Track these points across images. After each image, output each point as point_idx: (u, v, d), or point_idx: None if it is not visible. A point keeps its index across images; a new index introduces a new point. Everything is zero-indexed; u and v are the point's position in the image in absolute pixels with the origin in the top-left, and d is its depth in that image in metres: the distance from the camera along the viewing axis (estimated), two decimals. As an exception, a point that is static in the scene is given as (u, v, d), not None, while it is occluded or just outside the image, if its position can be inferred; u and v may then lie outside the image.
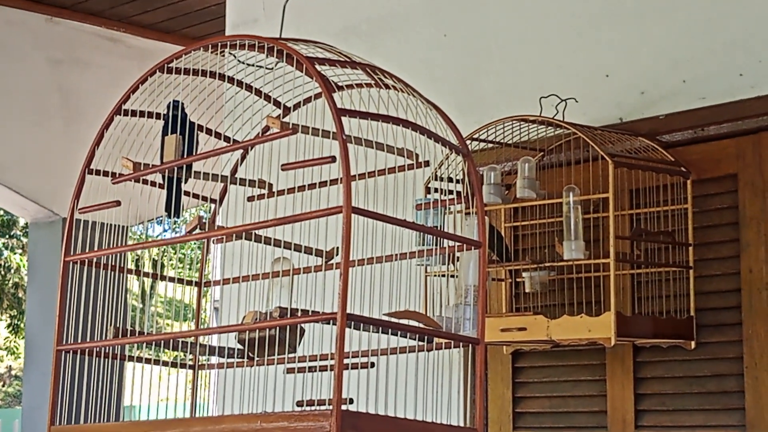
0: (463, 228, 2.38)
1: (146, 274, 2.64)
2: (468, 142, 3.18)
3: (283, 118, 2.48)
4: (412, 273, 3.00)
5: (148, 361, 2.51)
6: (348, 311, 1.90)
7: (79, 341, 2.34)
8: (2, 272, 19.68)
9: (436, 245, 2.39)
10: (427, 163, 2.29)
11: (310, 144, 2.29)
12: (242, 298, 2.50)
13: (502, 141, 3.49)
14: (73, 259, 2.33)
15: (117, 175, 2.37)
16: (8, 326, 20.49)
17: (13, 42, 6.87)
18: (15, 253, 19.76)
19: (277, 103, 2.51)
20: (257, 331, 2.28)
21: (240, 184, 2.52)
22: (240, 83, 2.47)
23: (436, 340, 2.23)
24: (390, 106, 2.27)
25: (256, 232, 2.38)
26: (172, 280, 2.60)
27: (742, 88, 3.29)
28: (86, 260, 2.35)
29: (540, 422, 3.63)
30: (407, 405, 2.18)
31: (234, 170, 2.58)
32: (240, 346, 2.39)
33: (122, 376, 6.89)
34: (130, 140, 2.41)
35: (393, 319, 2.13)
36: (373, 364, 2.33)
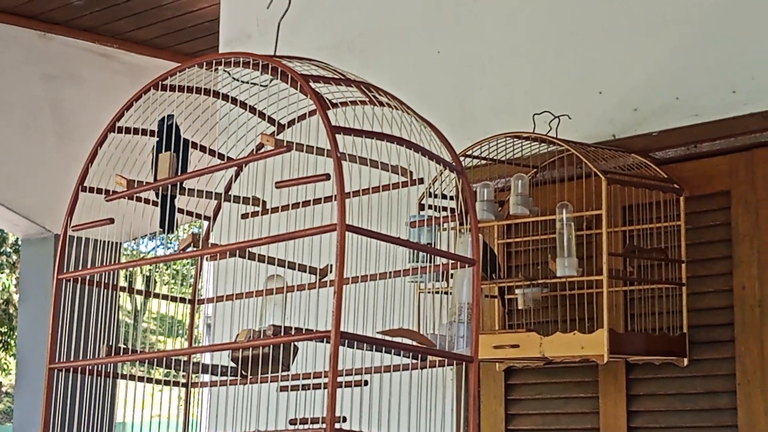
0: (457, 245, 2.37)
1: (139, 292, 2.64)
2: (461, 158, 3.19)
3: (277, 135, 2.48)
4: (406, 290, 3.00)
5: (140, 379, 2.50)
6: (341, 329, 1.90)
7: (72, 359, 2.33)
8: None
9: (430, 263, 2.38)
10: (421, 181, 2.29)
11: (304, 161, 2.29)
12: (236, 316, 2.50)
13: (495, 158, 3.50)
14: (66, 277, 2.33)
15: (110, 192, 2.37)
16: (-2, 342, 20.40)
17: (6, 58, 6.88)
18: (2, 273, 19.65)
19: (271, 121, 2.50)
20: (250, 349, 2.27)
21: (234, 202, 2.52)
22: (234, 100, 2.47)
23: (429, 358, 2.22)
24: (384, 123, 2.27)
25: (250, 249, 2.38)
26: (165, 297, 2.59)
27: (735, 105, 3.30)
28: (79, 278, 2.34)
29: (533, 439, 3.62)
30: (401, 423, 2.18)
31: (228, 187, 2.58)
32: (233, 364, 2.38)
33: (114, 394, 6.88)
34: (124, 157, 2.41)
35: (386, 337, 2.13)
36: (366, 382, 2.32)
